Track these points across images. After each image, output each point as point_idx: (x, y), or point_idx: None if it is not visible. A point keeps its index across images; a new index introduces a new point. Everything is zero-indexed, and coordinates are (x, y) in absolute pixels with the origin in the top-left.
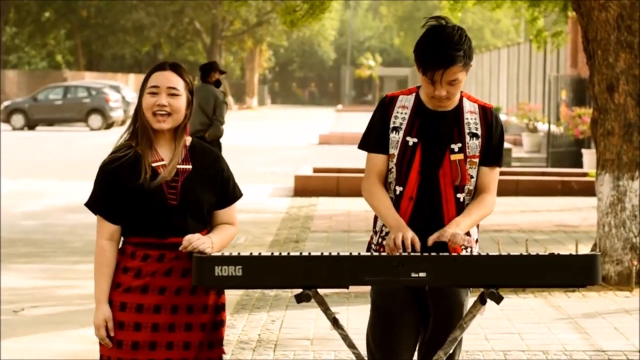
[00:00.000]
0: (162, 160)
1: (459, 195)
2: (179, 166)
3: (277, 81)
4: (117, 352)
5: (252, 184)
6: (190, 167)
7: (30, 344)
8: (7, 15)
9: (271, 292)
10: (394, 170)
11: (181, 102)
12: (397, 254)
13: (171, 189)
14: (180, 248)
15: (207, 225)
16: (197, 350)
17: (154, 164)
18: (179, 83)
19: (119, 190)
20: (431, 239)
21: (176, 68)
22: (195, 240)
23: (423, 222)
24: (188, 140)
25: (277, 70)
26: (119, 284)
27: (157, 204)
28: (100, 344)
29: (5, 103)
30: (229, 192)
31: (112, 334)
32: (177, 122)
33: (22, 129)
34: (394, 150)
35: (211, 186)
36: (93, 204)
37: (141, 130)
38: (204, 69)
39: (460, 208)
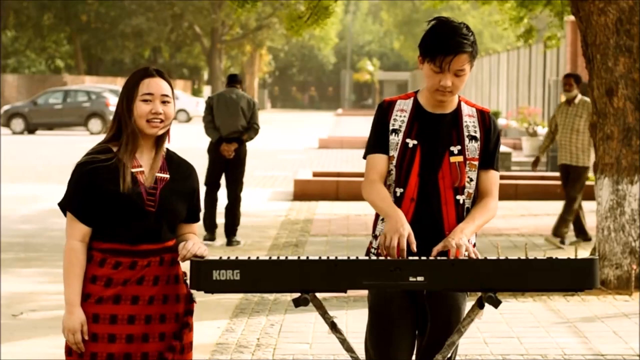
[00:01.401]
0: (141, 166)
1: (458, 197)
2: (157, 174)
3: (277, 85)
4: None
5: (251, 187)
6: (167, 176)
7: (29, 348)
8: (7, 19)
9: (270, 296)
10: (393, 172)
11: (172, 109)
12: (388, 255)
13: (150, 195)
14: (179, 259)
15: (175, 235)
16: None
17: (133, 170)
18: (168, 90)
19: (96, 192)
20: (436, 250)
21: (163, 75)
22: (191, 246)
23: (423, 224)
24: (164, 148)
25: (277, 75)
26: (88, 294)
27: (135, 208)
28: (67, 355)
29: (5, 107)
30: (198, 209)
31: (86, 338)
32: (167, 127)
33: (21, 133)
34: (394, 152)
35: (185, 198)
36: (67, 203)
37: (131, 136)
38: (235, 77)
39: (460, 210)
